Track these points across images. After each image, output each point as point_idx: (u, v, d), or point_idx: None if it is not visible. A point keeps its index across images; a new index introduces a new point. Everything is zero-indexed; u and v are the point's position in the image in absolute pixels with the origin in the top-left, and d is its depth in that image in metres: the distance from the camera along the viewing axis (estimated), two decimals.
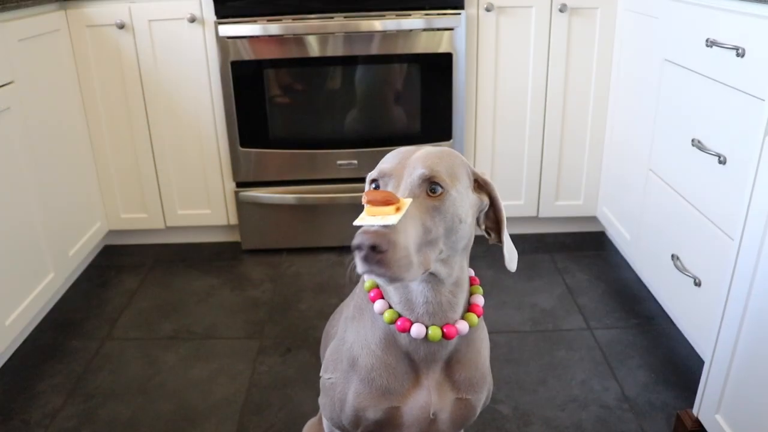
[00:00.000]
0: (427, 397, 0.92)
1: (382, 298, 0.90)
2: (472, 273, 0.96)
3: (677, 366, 1.69)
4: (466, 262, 0.90)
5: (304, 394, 1.61)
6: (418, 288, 0.86)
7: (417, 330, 0.87)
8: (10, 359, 1.79)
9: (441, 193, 0.79)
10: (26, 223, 1.81)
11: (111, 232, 2.41)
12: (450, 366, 0.93)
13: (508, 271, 2.16)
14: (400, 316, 0.88)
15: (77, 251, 2.10)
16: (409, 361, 0.91)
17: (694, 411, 1.37)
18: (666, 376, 1.65)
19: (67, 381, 1.70)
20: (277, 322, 1.93)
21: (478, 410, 0.99)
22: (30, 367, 1.76)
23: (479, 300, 0.93)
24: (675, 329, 1.84)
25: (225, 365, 1.74)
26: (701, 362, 1.67)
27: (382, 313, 0.89)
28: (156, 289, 2.14)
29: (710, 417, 1.30)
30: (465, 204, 0.84)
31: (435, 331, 0.87)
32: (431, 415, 0.92)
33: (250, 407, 1.58)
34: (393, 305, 0.89)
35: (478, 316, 0.91)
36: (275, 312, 1.99)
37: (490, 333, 1.82)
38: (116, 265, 2.30)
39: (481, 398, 0.98)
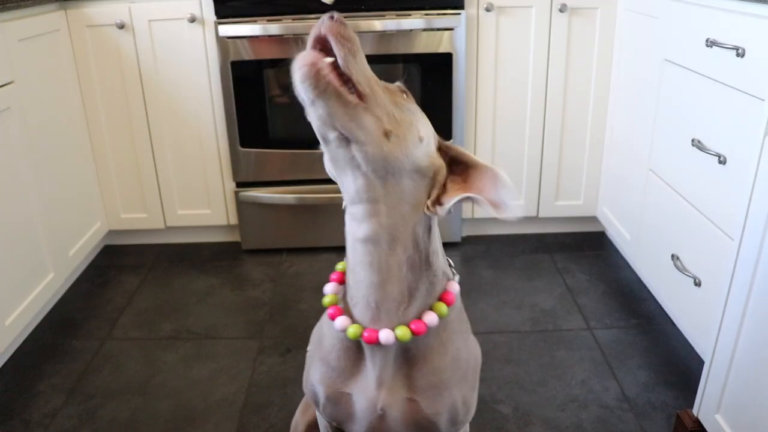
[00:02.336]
0: (377, 389, 0.88)
1: (341, 283, 0.88)
2: (456, 288, 0.87)
3: (677, 366, 1.69)
4: (424, 237, 0.82)
5: (304, 394, 1.61)
6: (363, 269, 0.81)
7: (341, 322, 0.84)
8: (10, 359, 1.79)
9: (408, 99, 0.80)
10: (26, 223, 1.81)
11: (111, 232, 2.41)
12: (408, 360, 0.87)
13: (509, 271, 2.17)
14: (337, 303, 0.86)
15: (77, 251, 2.10)
16: (364, 348, 0.87)
17: (694, 411, 1.37)
18: (666, 376, 1.65)
19: (67, 381, 1.70)
20: (277, 322, 1.93)
21: (441, 427, 0.90)
22: (30, 367, 1.76)
23: (428, 317, 0.83)
24: (675, 329, 1.84)
25: (225, 365, 1.74)
26: (701, 362, 1.67)
27: (326, 296, 0.87)
28: (156, 289, 2.14)
29: (710, 417, 1.30)
30: (425, 124, 0.81)
31: (354, 330, 0.82)
32: (379, 410, 0.88)
33: (250, 407, 1.58)
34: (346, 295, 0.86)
35: (414, 333, 0.82)
36: (275, 312, 1.99)
37: (490, 333, 1.83)
38: (116, 265, 2.30)
39: (438, 408, 0.88)
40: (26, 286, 1.80)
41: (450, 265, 0.91)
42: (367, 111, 0.73)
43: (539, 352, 1.76)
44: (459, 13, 2.04)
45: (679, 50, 1.64)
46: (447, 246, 2.29)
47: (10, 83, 1.74)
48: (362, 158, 0.74)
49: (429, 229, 0.83)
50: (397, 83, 0.82)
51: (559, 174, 2.30)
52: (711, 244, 1.50)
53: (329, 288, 0.88)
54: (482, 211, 2.31)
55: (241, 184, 2.27)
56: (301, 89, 0.70)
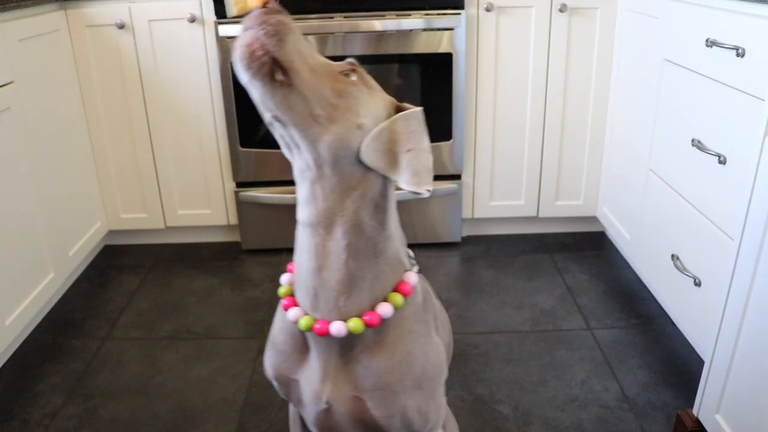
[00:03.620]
0: (321, 381, 0.84)
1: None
2: (413, 279, 0.84)
3: (677, 366, 1.69)
4: (378, 227, 0.79)
5: None
6: (311, 251, 0.79)
7: (294, 313, 0.82)
8: (10, 359, 1.79)
9: (358, 79, 0.76)
10: (26, 223, 1.81)
11: (111, 232, 2.42)
12: (353, 356, 0.83)
13: (509, 271, 2.17)
14: (293, 294, 0.85)
15: (77, 251, 2.10)
16: (307, 337, 0.85)
17: (694, 411, 1.37)
18: (666, 376, 1.65)
19: (67, 381, 1.70)
20: None
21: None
22: (30, 367, 1.76)
23: (382, 309, 0.80)
24: (675, 329, 1.84)
25: (225, 365, 1.74)
26: (701, 362, 1.67)
27: (282, 286, 0.87)
28: (156, 289, 2.14)
29: (710, 417, 1.30)
30: (372, 108, 0.77)
31: (307, 321, 0.80)
32: (324, 403, 0.85)
33: (250, 407, 1.58)
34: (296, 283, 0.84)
35: (368, 326, 0.79)
36: (275, 312, 1.98)
37: (490, 333, 1.83)
38: (116, 265, 2.30)
39: (385, 412, 0.84)
40: (26, 286, 1.80)
41: (410, 256, 0.87)
42: (294, 91, 0.73)
43: (539, 352, 1.76)
44: (459, 13, 2.04)
45: (679, 50, 1.64)
46: (447, 246, 2.30)
47: (10, 83, 1.74)
48: (298, 139, 0.75)
49: (381, 213, 0.79)
50: (348, 60, 0.80)
51: (559, 174, 2.30)
52: (711, 244, 1.50)
53: (285, 278, 0.87)
54: (483, 211, 2.32)
55: (241, 184, 2.27)
56: (238, 69, 0.73)
